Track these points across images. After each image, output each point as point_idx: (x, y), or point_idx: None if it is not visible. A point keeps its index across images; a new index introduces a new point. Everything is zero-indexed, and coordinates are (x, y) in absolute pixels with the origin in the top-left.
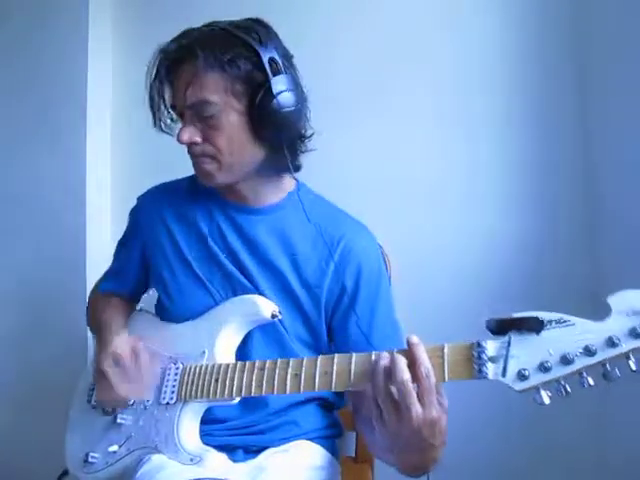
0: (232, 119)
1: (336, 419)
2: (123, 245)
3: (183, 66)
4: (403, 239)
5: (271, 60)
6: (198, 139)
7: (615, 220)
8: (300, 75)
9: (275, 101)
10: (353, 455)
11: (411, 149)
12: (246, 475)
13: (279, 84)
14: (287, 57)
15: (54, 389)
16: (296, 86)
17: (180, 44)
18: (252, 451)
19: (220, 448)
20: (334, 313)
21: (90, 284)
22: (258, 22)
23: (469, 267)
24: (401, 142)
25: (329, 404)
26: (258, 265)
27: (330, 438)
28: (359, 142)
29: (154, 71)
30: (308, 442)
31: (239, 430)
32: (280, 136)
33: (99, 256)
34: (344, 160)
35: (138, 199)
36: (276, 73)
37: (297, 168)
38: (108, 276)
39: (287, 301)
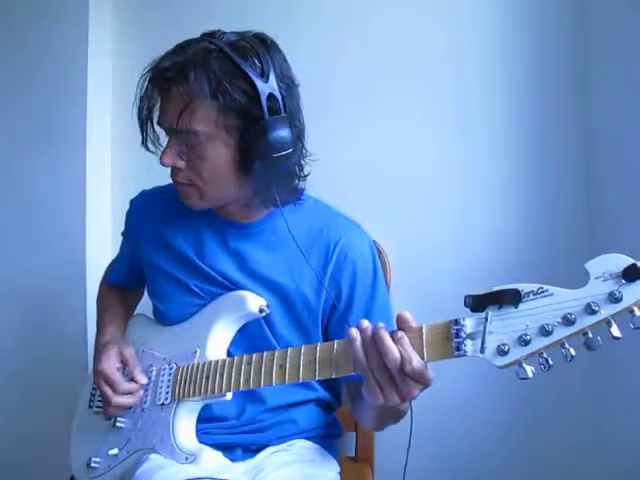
0: (219, 151)
1: (335, 419)
2: (123, 239)
3: (174, 87)
4: (402, 238)
5: (270, 96)
6: (181, 164)
7: (615, 220)
8: (301, 104)
9: (268, 143)
10: (353, 455)
11: (410, 149)
12: (245, 474)
13: (275, 125)
14: (289, 86)
15: (54, 390)
16: (293, 126)
17: (174, 62)
18: (251, 450)
19: (219, 447)
20: (330, 318)
21: (90, 284)
22: (263, 42)
23: (468, 267)
24: (400, 142)
25: (328, 404)
26: (249, 279)
27: (329, 438)
28: (358, 142)
29: (144, 85)
30: (307, 441)
31: (237, 428)
32: (268, 176)
33: (99, 256)
34: (343, 160)
35: (131, 202)
36: (273, 112)
37: (287, 202)
38: (114, 266)
39: (283, 311)
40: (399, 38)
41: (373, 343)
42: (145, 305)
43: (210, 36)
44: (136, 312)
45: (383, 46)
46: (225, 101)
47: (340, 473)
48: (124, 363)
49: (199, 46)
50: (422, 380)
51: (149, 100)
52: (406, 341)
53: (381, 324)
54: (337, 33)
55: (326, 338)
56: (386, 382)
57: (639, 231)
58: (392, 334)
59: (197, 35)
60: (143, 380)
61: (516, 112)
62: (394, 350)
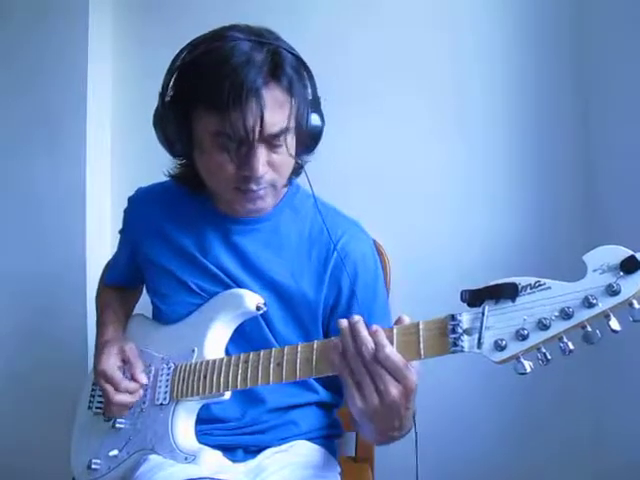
0: (291, 142)
1: (335, 419)
2: (120, 237)
3: (275, 91)
4: (402, 238)
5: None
6: (267, 169)
7: (615, 219)
8: None
9: (323, 122)
10: (353, 455)
11: (410, 149)
12: (246, 475)
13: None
14: None
15: (55, 392)
16: None
17: (257, 69)
18: (252, 451)
19: (220, 448)
20: (331, 317)
21: (90, 285)
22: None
23: (469, 267)
24: (400, 142)
25: (329, 405)
26: (250, 276)
27: (329, 438)
28: (358, 142)
29: (230, 100)
30: (307, 442)
31: (238, 430)
32: (308, 151)
33: (99, 257)
34: (343, 160)
35: (129, 200)
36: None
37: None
38: (111, 265)
39: (283, 310)
40: (399, 38)
41: (350, 334)
42: (144, 305)
43: (234, 30)
44: (135, 312)
45: (383, 46)
46: (301, 93)
47: (340, 473)
48: (125, 362)
49: (263, 48)
50: (399, 376)
51: (203, 108)
52: (381, 333)
53: (357, 317)
54: (337, 33)
55: (326, 337)
56: (361, 374)
57: (639, 232)
58: (368, 328)
59: (197, 35)
60: (143, 380)
61: (516, 112)
62: (369, 340)
